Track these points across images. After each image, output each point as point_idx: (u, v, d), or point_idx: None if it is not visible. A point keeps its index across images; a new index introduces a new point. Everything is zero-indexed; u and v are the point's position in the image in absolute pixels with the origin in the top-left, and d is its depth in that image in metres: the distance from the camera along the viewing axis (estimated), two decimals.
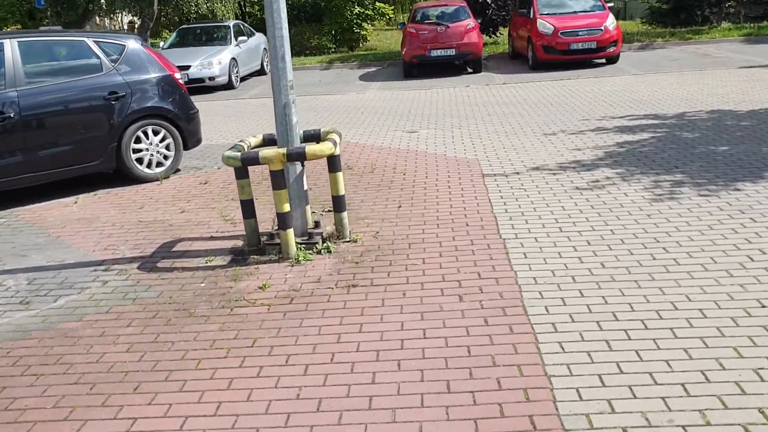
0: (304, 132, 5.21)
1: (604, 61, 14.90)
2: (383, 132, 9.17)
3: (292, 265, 4.61)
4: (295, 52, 21.04)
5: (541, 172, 6.55)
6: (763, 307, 3.56)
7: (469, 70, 15.38)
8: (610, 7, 15.46)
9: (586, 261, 4.34)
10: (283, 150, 4.59)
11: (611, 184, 5.96)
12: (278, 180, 4.61)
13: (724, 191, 5.52)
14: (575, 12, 15.18)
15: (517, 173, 6.57)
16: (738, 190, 5.53)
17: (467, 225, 5.16)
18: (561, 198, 5.68)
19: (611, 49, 14.51)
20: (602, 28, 14.37)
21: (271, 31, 4.78)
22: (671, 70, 13.30)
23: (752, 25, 19.38)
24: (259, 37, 17.54)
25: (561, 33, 14.37)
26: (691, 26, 20.33)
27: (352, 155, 7.81)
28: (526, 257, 4.46)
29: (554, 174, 6.43)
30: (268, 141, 5.18)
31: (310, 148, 4.66)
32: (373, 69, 17.44)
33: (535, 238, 4.79)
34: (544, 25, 14.62)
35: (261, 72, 17.23)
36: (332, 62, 18.44)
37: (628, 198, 5.55)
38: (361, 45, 22.28)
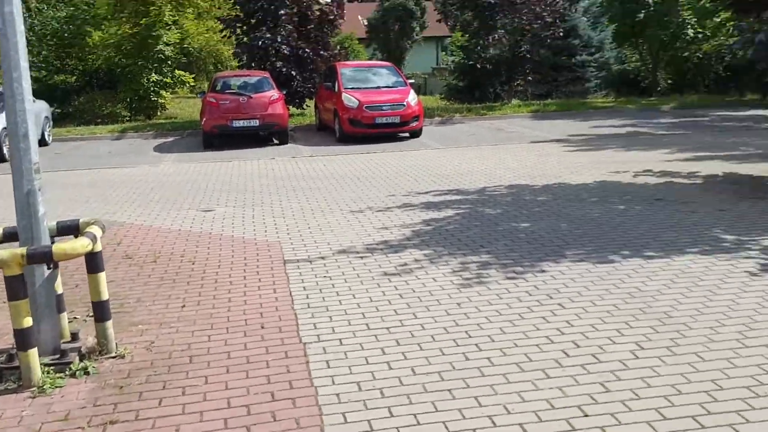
0: (58, 224, 4.27)
1: (408, 134, 15.16)
2: (174, 211, 8.26)
3: (34, 396, 3.61)
4: (85, 121, 19.42)
5: (348, 255, 6.07)
6: (586, 416, 3.22)
7: (275, 141, 14.92)
8: (411, 84, 15.87)
9: (396, 366, 3.82)
10: (22, 250, 3.64)
11: (419, 268, 5.60)
12: (16, 288, 3.64)
13: (531, 273, 5.36)
14: (379, 87, 15.39)
15: (323, 258, 6.02)
16: (543, 271, 5.39)
17: (263, 327, 4.47)
18: (368, 286, 5.20)
19: (414, 124, 14.81)
20: (405, 103, 14.65)
21: (11, 104, 3.88)
22: (470, 145, 13.76)
23: (539, 102, 21.05)
24: (40, 104, 15.86)
25: (366, 107, 14.42)
26: (485, 102, 21.64)
27: (134, 241, 6.84)
28: (329, 366, 3.85)
29: (361, 257, 5.97)
30: (10, 235, 4.18)
31: (60, 246, 3.76)
32: (171, 139, 16.39)
33: (340, 340, 4.21)
34: (350, 99, 14.61)
35: (42, 142, 15.48)
36: (125, 131, 17.11)
37: (437, 283, 5.19)
38: (159, 113, 21.10)
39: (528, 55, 20.10)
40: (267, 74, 15.48)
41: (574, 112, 19.28)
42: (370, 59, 43.23)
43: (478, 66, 20.26)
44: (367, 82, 15.53)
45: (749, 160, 10.38)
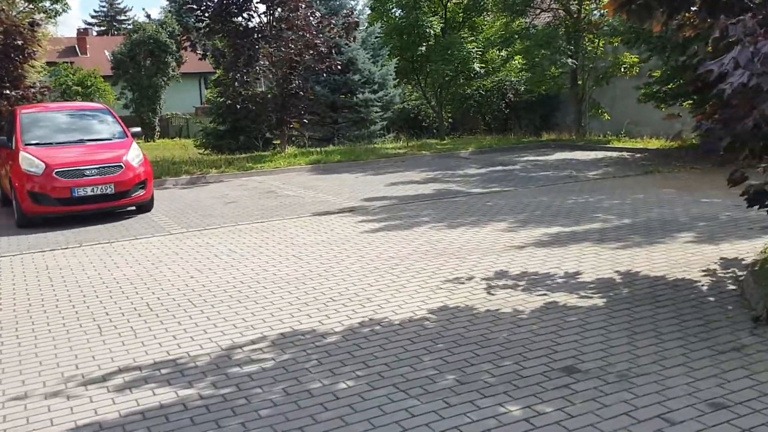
0: None
1: (134, 208, 10.27)
2: None
3: None
4: None
5: None
6: None
7: None
8: (134, 134, 10.95)
9: None
10: None
11: None
12: None
13: None
14: (81, 141, 10.34)
15: None
16: None
17: None
18: None
19: (139, 193, 9.95)
20: (122, 163, 9.77)
21: None
22: (226, 223, 9.27)
23: (319, 150, 17.12)
24: None
25: (57, 173, 9.34)
26: (252, 151, 17.29)
27: None
28: None
29: None
30: None
31: None
32: None
33: None
34: (31, 162, 9.43)
35: None
36: None
37: None
38: None
39: (301, 93, 16.10)
40: None
41: (363, 162, 15.64)
42: (117, 99, 37.03)
43: (238, 106, 15.84)
44: (63, 133, 10.39)
45: (628, 239, 7.07)
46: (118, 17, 58.67)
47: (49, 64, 37.36)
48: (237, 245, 7.81)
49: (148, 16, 41.38)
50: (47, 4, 35.70)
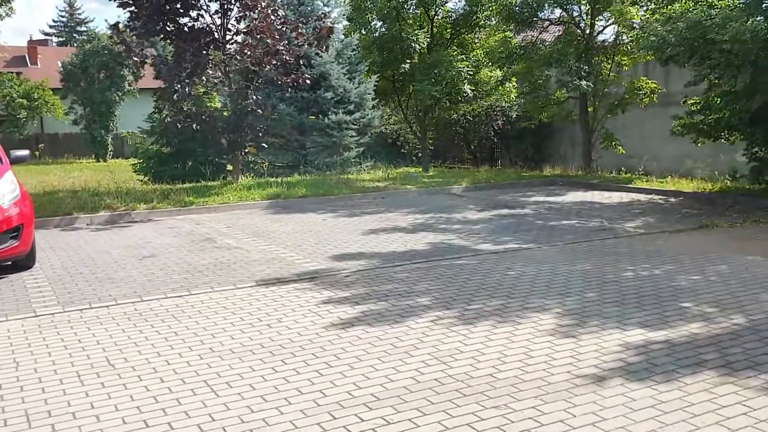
0: None
1: (10, 263, 7.17)
2: None
3: None
4: None
5: None
6: None
7: None
8: (15, 159, 7.86)
9: None
10: None
11: None
12: None
13: None
14: None
15: None
16: None
17: None
18: None
19: (8, 245, 6.85)
20: None
21: None
22: (127, 294, 6.23)
23: (281, 180, 14.11)
24: None
25: None
26: (199, 181, 14.21)
27: None
28: None
29: None
30: None
31: None
32: None
33: None
34: None
35: None
36: None
37: None
38: None
39: (259, 111, 13.12)
40: None
41: (333, 198, 12.72)
42: (66, 114, 33.72)
43: (178, 125, 12.80)
44: None
45: None
46: (78, 28, 55.17)
47: None
48: (123, 348, 4.78)
49: (110, 27, 38.31)
50: None
